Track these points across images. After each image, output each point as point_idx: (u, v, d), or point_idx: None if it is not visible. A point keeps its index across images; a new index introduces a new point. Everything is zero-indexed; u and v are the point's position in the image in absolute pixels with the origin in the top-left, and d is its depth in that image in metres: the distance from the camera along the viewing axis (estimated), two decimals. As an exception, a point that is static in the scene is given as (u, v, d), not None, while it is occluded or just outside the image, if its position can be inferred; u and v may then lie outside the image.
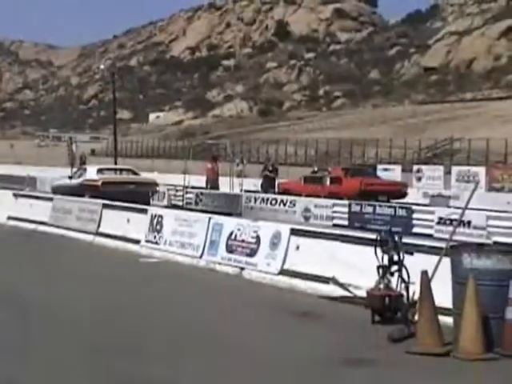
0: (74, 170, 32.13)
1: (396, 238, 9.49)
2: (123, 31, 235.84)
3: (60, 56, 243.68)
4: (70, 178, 27.81)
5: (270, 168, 32.25)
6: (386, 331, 8.65)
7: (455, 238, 10.07)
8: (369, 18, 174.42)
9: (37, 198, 23.31)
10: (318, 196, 26.29)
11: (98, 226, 18.49)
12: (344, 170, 31.20)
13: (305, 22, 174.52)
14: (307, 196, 26.35)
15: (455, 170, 40.34)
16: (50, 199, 22.07)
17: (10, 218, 22.33)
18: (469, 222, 18.39)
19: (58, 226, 20.12)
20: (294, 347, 8.36)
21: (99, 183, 25.23)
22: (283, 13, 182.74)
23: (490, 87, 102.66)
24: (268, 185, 31.20)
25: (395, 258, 9.38)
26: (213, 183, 30.18)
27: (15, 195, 23.79)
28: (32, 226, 20.89)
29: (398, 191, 29.29)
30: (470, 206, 10.82)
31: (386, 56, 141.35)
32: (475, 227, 18.44)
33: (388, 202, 25.94)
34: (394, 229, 10.77)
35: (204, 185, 30.67)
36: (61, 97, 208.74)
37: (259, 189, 31.12)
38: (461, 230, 17.62)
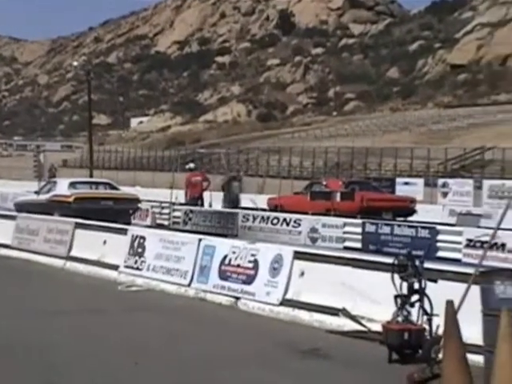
0: (42, 183, 32.15)
1: (417, 263, 9.51)
2: (100, 22, 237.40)
3: (26, 51, 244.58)
4: (37, 193, 27.84)
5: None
6: (405, 371, 8.64)
7: (486, 262, 10.09)
8: (386, 8, 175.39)
9: (-3, 216, 23.31)
10: (323, 214, 26.32)
11: (70, 248, 18.53)
12: (344, 184, 31.21)
13: (312, 12, 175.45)
14: (313, 214, 26.40)
15: (487, 184, 40.46)
16: (13, 218, 22.08)
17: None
18: (503, 245, 18.42)
19: (22, 249, 20.13)
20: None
21: (71, 199, 25.25)
22: (287, 1, 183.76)
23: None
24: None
25: (416, 286, 9.40)
26: (192, 200, 30.27)
27: (-29, 213, 23.78)
28: (-8, 250, 20.89)
29: (404, 208, 29.30)
30: (503, 226, 10.83)
31: (407, 52, 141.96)
32: (510, 251, 18.45)
33: (394, 220, 26.01)
34: (414, 252, 10.79)
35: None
36: (27, 98, 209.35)
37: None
38: (493, 253, 17.64)
